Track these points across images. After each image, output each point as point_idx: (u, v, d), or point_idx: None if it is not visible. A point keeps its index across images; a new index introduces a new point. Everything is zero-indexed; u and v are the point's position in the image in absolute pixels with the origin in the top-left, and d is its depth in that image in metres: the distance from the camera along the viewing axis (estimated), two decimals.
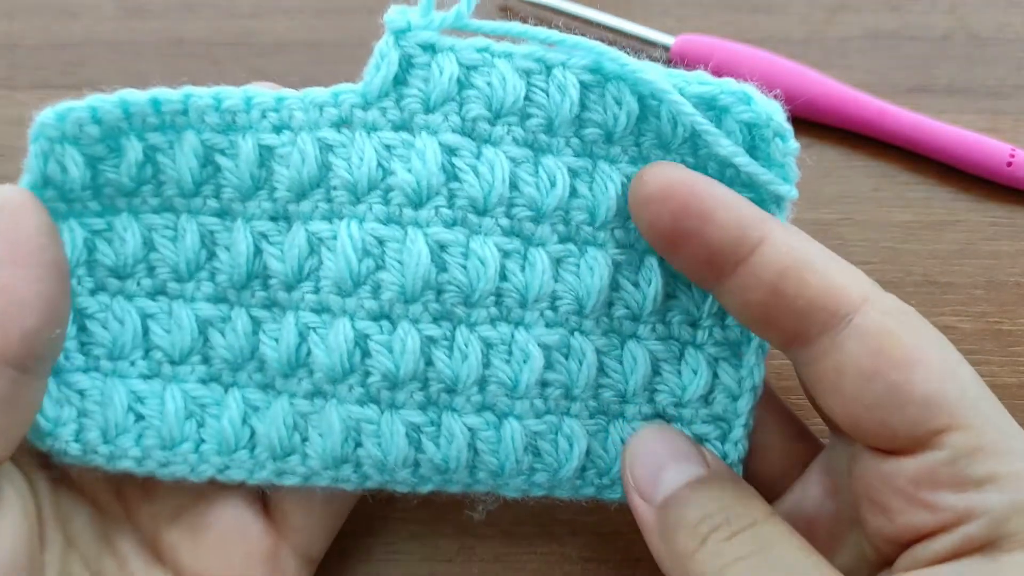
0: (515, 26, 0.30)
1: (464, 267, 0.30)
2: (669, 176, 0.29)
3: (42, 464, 0.32)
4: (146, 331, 0.31)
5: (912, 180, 0.44)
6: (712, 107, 0.30)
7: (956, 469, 0.26)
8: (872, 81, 0.45)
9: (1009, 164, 0.43)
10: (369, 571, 0.36)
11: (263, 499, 0.34)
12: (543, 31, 0.30)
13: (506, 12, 0.49)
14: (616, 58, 0.30)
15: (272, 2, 0.48)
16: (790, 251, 0.28)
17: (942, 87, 0.46)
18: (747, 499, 0.29)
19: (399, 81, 0.30)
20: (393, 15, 0.30)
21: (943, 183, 0.44)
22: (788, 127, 0.30)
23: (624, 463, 0.31)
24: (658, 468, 0.30)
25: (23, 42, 0.47)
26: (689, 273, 0.30)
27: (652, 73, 0.30)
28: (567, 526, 0.36)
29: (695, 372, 0.32)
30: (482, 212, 0.30)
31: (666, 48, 0.46)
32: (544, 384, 0.31)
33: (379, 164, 0.30)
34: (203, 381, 0.31)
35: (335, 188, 0.30)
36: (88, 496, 0.33)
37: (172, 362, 0.31)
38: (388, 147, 0.30)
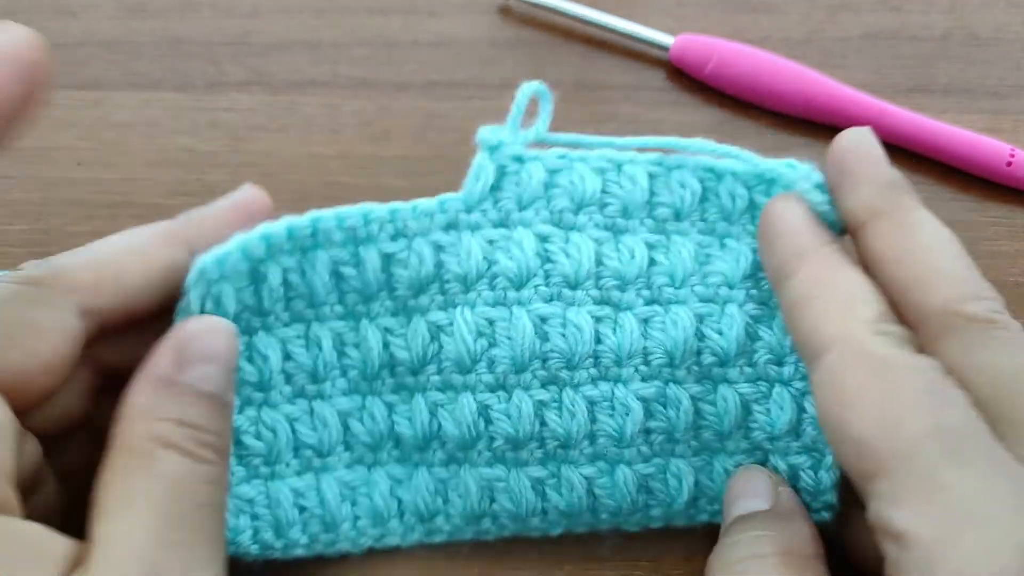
0: (586, 138, 0.36)
1: (563, 335, 0.34)
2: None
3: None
4: (294, 433, 0.34)
5: (912, 180, 0.43)
6: (762, 180, 0.35)
7: (883, 521, 0.25)
8: (872, 81, 0.45)
9: (1009, 164, 0.43)
10: (368, 569, 0.35)
11: None
12: (610, 140, 0.36)
13: (507, 12, 0.49)
14: (678, 157, 0.35)
15: (272, 2, 0.48)
16: (815, 278, 0.30)
17: (942, 87, 0.46)
18: (793, 535, 0.30)
19: (494, 187, 0.35)
20: (486, 134, 0.35)
21: (943, 183, 0.44)
22: (823, 180, 0.33)
23: None
24: (728, 505, 0.33)
25: None
26: None
27: (706, 160, 0.35)
28: None
29: (781, 409, 0.34)
30: (574, 287, 0.34)
31: (665, 48, 0.46)
32: (648, 432, 0.34)
33: (484, 257, 0.34)
34: (348, 466, 0.35)
35: (447, 281, 0.34)
36: None
37: (320, 455, 0.34)
38: (491, 241, 0.35)
